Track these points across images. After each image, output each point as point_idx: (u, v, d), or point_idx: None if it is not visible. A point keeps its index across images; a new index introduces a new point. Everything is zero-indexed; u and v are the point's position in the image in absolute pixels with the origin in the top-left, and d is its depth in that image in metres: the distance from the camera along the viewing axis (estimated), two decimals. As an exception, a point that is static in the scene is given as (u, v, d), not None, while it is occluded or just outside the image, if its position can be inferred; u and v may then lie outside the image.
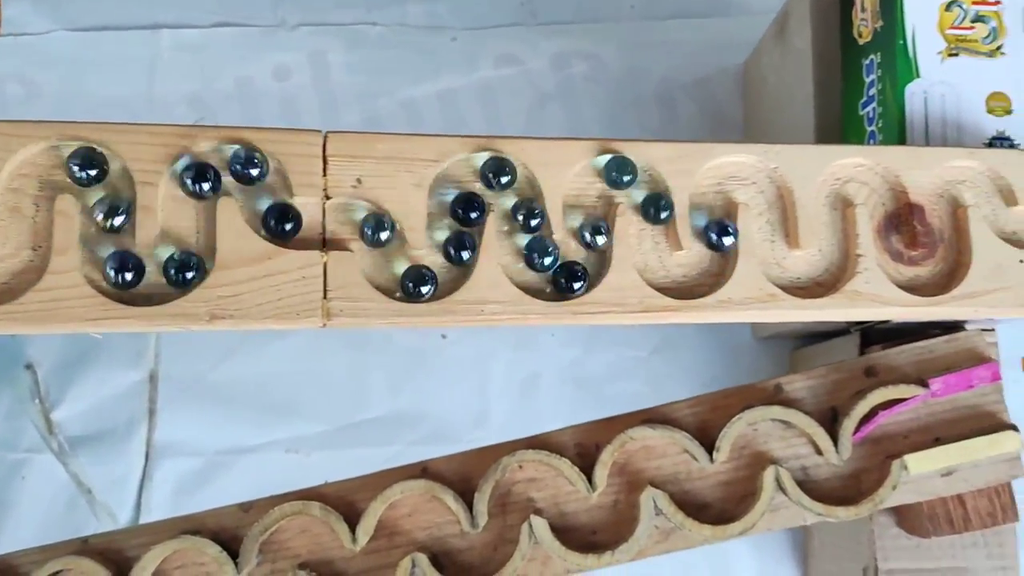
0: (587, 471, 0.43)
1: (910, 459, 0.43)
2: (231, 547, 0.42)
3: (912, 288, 0.41)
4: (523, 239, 0.37)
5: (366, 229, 0.35)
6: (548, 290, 0.38)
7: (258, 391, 0.61)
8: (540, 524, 0.42)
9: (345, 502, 0.44)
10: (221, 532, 0.42)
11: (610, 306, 0.37)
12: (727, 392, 0.45)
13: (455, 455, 0.45)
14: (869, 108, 0.47)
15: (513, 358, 0.63)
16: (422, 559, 0.42)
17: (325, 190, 0.35)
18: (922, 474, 0.43)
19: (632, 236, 0.39)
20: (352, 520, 0.42)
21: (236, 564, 0.41)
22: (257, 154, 0.34)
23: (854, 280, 0.40)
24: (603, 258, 0.38)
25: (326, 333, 0.63)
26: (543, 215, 0.37)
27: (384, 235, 0.35)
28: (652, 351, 0.64)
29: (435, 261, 0.37)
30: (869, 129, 0.47)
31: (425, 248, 0.36)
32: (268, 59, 0.65)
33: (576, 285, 0.37)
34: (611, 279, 0.38)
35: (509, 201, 0.38)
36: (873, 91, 0.47)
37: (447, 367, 0.63)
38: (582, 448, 0.44)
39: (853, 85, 0.49)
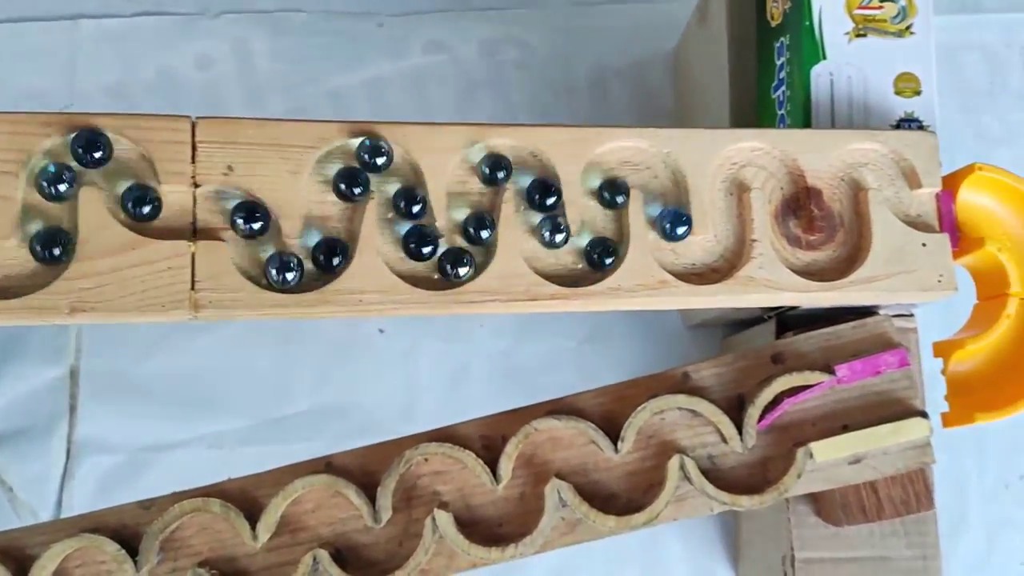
0: (493, 463, 0.42)
1: (816, 446, 0.43)
2: (132, 545, 0.41)
3: (809, 273, 0.40)
4: (404, 227, 0.37)
5: (237, 218, 0.34)
6: (436, 277, 0.37)
7: (181, 386, 0.60)
8: (444, 518, 0.41)
9: (247, 498, 0.43)
10: (122, 530, 0.42)
11: (495, 295, 0.37)
12: (633, 382, 0.44)
13: (359, 449, 0.44)
14: (780, 92, 0.47)
15: (442, 349, 0.62)
16: (323, 555, 0.41)
17: (194, 178, 0.34)
18: (829, 462, 0.43)
19: (520, 223, 0.38)
20: (255, 516, 0.41)
21: (136, 562, 0.40)
22: (101, 137, 0.32)
23: (748, 266, 0.39)
24: (489, 246, 0.37)
25: (252, 327, 0.62)
26: (424, 202, 0.36)
27: (257, 224, 0.35)
28: (583, 340, 0.63)
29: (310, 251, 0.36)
30: (780, 113, 0.47)
31: (302, 237, 0.35)
32: (190, 48, 0.64)
33: (462, 271, 0.36)
34: (496, 267, 0.37)
35: (391, 188, 0.37)
36: (783, 74, 0.46)
37: (374, 359, 0.62)
38: (488, 440, 0.43)
39: (766, 69, 0.49)
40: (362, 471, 0.43)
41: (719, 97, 0.52)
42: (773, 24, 0.48)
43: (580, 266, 0.38)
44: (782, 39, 0.46)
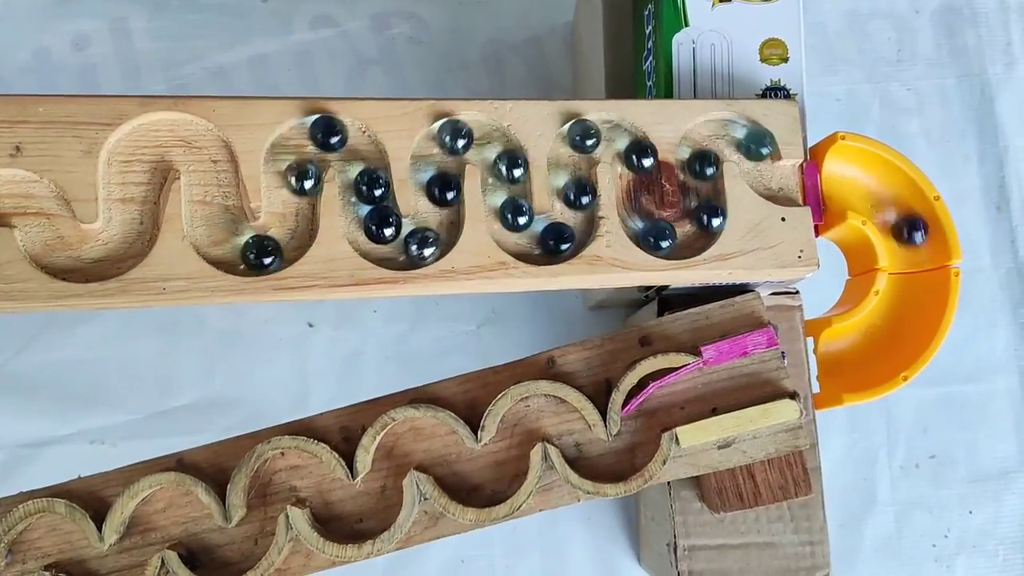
0: (353, 456, 0.40)
1: (682, 431, 0.41)
2: (-20, 546, 0.39)
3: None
4: (215, 209, 0.34)
5: (26, 204, 0.32)
6: (242, 267, 0.35)
7: (61, 380, 0.58)
8: (296, 515, 0.39)
9: (95, 498, 0.41)
10: (-28, 531, 0.40)
11: (316, 280, 0.34)
12: (497, 368, 0.42)
13: (212, 444, 0.42)
14: (648, 63, 0.45)
15: (334, 336, 0.60)
16: (171, 556, 0.39)
17: (-22, 161, 0.32)
18: (696, 446, 0.41)
19: (345, 203, 0.36)
20: (104, 517, 0.40)
21: (-16, 564, 0.39)
22: None
23: (594, 244, 0.37)
24: (311, 229, 0.35)
25: (133, 317, 0.60)
26: (238, 184, 0.34)
27: (52, 207, 0.32)
28: (481, 324, 0.61)
29: (112, 235, 0.33)
30: (648, 84, 0.44)
31: (99, 221, 0.33)
32: (66, 28, 0.61)
33: (267, 261, 0.34)
34: (318, 251, 0.35)
35: (202, 167, 0.35)
36: (651, 44, 0.44)
37: (263, 348, 0.60)
38: (348, 432, 0.42)
39: (639, 39, 0.46)
40: (215, 468, 0.42)
41: (598, 70, 0.50)
42: (644, -9, 0.46)
43: (410, 251, 0.36)
44: (649, 6, 0.44)
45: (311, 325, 0.59)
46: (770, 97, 0.42)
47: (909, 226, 0.40)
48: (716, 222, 0.38)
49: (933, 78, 0.65)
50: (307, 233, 0.35)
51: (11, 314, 0.32)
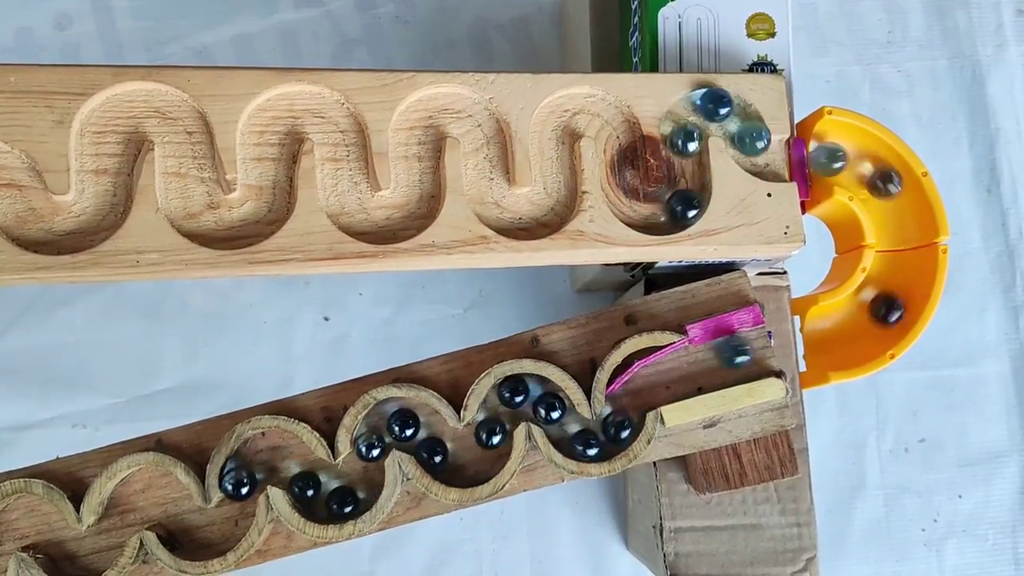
0: (333, 436, 0.40)
1: (666, 411, 0.40)
2: (-44, 528, 0.39)
3: (647, 227, 0.38)
4: (190, 181, 0.34)
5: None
6: (224, 236, 0.34)
7: (42, 363, 0.58)
8: (277, 495, 0.39)
9: (74, 478, 0.41)
10: (-53, 511, 0.39)
11: (292, 253, 0.34)
12: (481, 347, 0.42)
13: (192, 424, 0.42)
14: (634, 39, 0.44)
15: (319, 320, 0.60)
16: (150, 537, 0.39)
17: (-54, 130, 0.31)
18: (682, 426, 0.41)
19: (326, 175, 0.35)
20: (83, 497, 0.39)
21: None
22: None
23: (578, 219, 0.37)
24: (289, 203, 0.35)
25: (116, 300, 0.59)
26: (214, 156, 0.34)
27: (23, 178, 0.32)
28: (468, 307, 0.61)
29: (84, 207, 0.33)
30: (635, 60, 0.44)
31: (72, 193, 0.32)
32: (48, 7, 0.60)
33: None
34: (295, 224, 0.34)
35: (177, 138, 0.34)
36: (636, 19, 0.43)
37: (248, 331, 0.59)
38: (329, 412, 0.41)
39: (625, 15, 0.46)
40: (195, 448, 0.41)
41: (585, 48, 0.49)
42: (630, -34, 0.45)
43: (393, 221, 0.36)
44: (635, -19, 0.44)
45: (327, 319, 0.59)
46: (757, 72, 0.41)
47: (883, 178, 0.39)
48: (691, 214, 0.38)
49: (924, 60, 0.65)
50: (284, 207, 0.35)
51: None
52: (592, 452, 0.39)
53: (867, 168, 0.39)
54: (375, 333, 0.60)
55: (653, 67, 0.41)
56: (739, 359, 0.39)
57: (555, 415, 0.39)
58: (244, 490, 0.38)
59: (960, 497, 0.59)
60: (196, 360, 0.59)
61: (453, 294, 0.61)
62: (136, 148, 0.34)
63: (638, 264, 0.45)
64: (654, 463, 0.46)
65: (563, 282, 0.61)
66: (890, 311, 0.40)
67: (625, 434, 0.39)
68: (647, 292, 0.46)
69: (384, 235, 0.36)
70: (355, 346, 0.60)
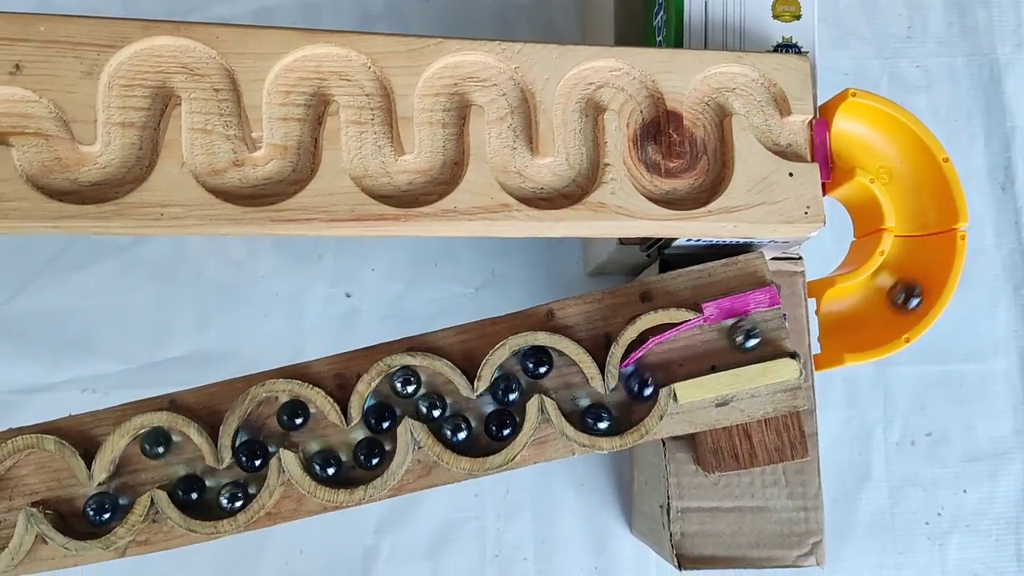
0: (346, 402, 0.40)
1: (679, 387, 0.40)
2: (-35, 483, 0.39)
3: (668, 202, 0.38)
4: (216, 138, 0.34)
5: (24, 124, 0.32)
6: (248, 192, 0.34)
7: (54, 326, 0.58)
8: (289, 457, 0.39)
9: (86, 436, 0.41)
10: (-45, 468, 0.39)
11: (315, 213, 0.34)
12: (496, 319, 0.42)
13: (205, 386, 0.42)
14: (659, 17, 0.44)
15: (331, 293, 0.60)
16: (161, 496, 0.39)
17: (-23, 76, 0.31)
18: (694, 403, 0.41)
19: (350, 137, 0.35)
20: (94, 455, 0.39)
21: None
22: None
23: (599, 191, 0.37)
24: (313, 163, 0.35)
25: (130, 266, 0.59)
26: (240, 114, 0.34)
27: (50, 128, 0.32)
28: (479, 287, 0.61)
29: (110, 159, 0.33)
30: (658, 40, 0.44)
31: (98, 144, 0.33)
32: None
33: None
34: (319, 184, 0.34)
35: (204, 95, 0.34)
36: (662, -2, 0.44)
37: (259, 303, 0.59)
38: (342, 379, 0.41)
39: (650, -6, 0.46)
40: (207, 410, 0.41)
41: (608, 28, 0.49)
42: (656, -55, 0.45)
43: (416, 186, 0.36)
44: (662, -40, 0.44)
45: (348, 295, 0.59)
46: (782, 53, 0.41)
47: (906, 291, 0.40)
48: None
49: (942, 56, 0.64)
50: (308, 167, 0.35)
51: (5, 235, 0.31)
52: (603, 425, 0.39)
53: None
54: (386, 309, 0.60)
55: (678, 46, 0.41)
56: (750, 343, 0.39)
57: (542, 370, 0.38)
58: (257, 462, 0.38)
59: (965, 492, 0.60)
60: (208, 329, 0.59)
61: (465, 273, 0.61)
62: (163, 103, 0.34)
63: (654, 244, 0.46)
64: (663, 442, 0.46)
65: (575, 264, 0.61)
66: (909, 298, 0.40)
67: (648, 391, 0.39)
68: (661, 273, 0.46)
69: (406, 199, 0.36)
70: (366, 321, 0.60)
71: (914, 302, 0.40)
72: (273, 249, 0.60)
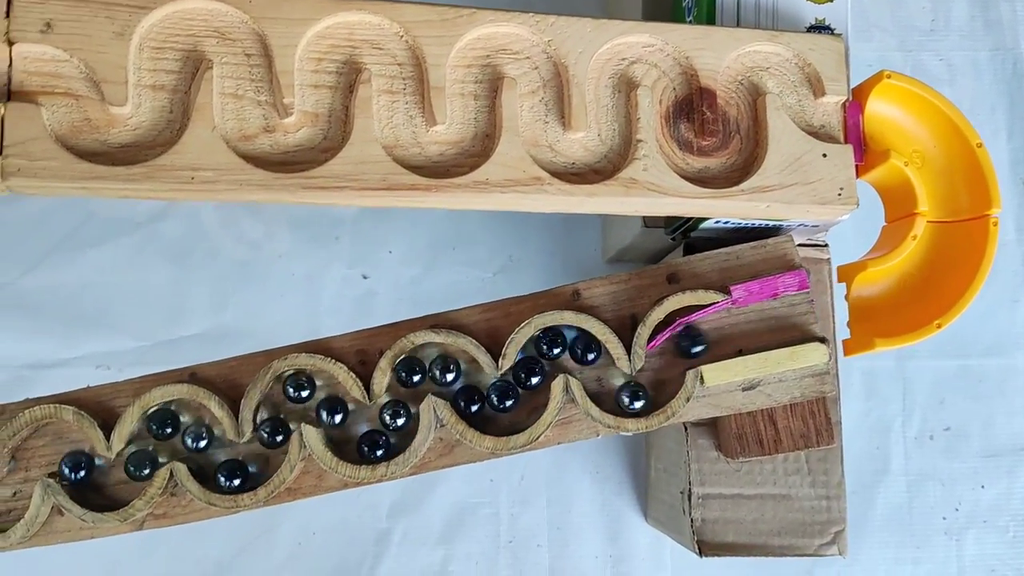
0: (370, 379, 0.40)
1: (707, 370, 0.40)
2: (-17, 453, 0.38)
3: (700, 180, 0.38)
4: (246, 103, 0.33)
5: (55, 83, 0.31)
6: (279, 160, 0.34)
7: (69, 302, 0.57)
8: (311, 432, 0.39)
9: (104, 408, 0.40)
10: (-29, 437, 0.39)
11: (346, 181, 0.34)
12: (521, 298, 0.42)
13: (226, 360, 0.41)
14: (690, -3, 0.44)
15: (347, 275, 0.59)
16: (181, 468, 0.39)
17: (7, 34, 0.31)
18: (721, 387, 0.40)
19: (381, 107, 0.35)
20: (112, 427, 0.39)
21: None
22: None
23: (631, 167, 0.36)
24: (344, 131, 0.34)
25: (146, 242, 0.59)
26: (271, 80, 0.33)
27: (80, 88, 0.31)
28: (497, 271, 0.60)
29: (140, 121, 0.32)
30: (688, 20, 0.43)
31: (129, 106, 0.32)
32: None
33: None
34: (350, 152, 0.34)
35: (236, 60, 0.34)
36: (693, -23, 0.43)
37: (275, 282, 0.59)
38: (364, 355, 0.41)
39: (680, -26, 0.45)
40: (228, 383, 0.41)
41: (635, 7, 0.49)
42: (688, -75, 0.45)
43: (447, 157, 0.35)
44: (694, -61, 0.43)
45: (365, 277, 0.58)
46: (816, 33, 0.41)
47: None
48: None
49: (966, 50, 0.64)
50: (339, 135, 0.34)
51: (35, 195, 0.31)
52: (639, 405, 0.38)
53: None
54: (402, 292, 0.60)
55: (710, 23, 0.41)
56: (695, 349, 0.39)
57: (591, 357, 0.38)
58: (279, 438, 0.38)
59: (983, 487, 0.59)
60: (224, 308, 0.58)
61: (483, 257, 0.60)
62: (194, 66, 0.33)
63: (680, 226, 0.45)
64: (685, 427, 0.46)
65: (594, 251, 0.61)
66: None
67: (697, 349, 0.38)
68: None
69: (437, 170, 0.35)
70: (382, 303, 0.59)
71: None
72: (290, 229, 0.59)
